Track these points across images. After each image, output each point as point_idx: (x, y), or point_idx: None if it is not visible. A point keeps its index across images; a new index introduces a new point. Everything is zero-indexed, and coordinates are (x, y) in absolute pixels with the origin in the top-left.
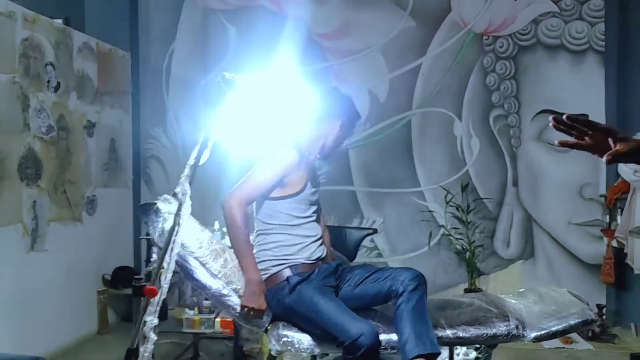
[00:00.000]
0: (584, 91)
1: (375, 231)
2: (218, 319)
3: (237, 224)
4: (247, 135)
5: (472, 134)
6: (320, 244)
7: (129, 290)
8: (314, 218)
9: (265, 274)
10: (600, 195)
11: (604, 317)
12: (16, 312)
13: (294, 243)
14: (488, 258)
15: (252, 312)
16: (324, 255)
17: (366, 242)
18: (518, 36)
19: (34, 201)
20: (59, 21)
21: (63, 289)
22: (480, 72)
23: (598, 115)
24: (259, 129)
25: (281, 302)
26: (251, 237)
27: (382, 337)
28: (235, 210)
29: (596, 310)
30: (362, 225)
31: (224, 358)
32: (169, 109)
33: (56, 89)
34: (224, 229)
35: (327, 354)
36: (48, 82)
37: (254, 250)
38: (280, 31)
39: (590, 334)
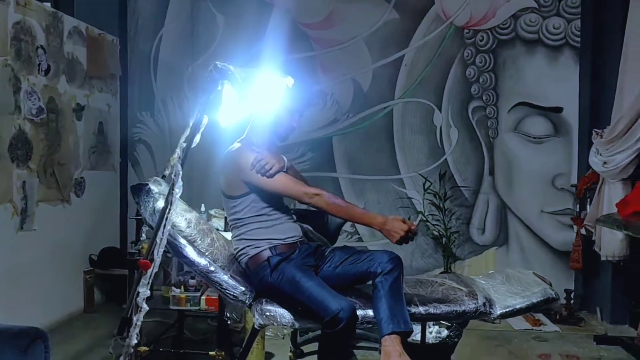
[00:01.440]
0: (560, 85)
1: (354, 222)
2: (203, 297)
3: (327, 202)
4: (234, 123)
5: (451, 124)
6: (293, 223)
7: (115, 271)
8: (281, 202)
9: (245, 256)
10: (572, 185)
11: (572, 301)
12: (5, 290)
13: (266, 226)
14: (464, 244)
15: (408, 240)
16: (299, 235)
17: (347, 227)
18: (498, 30)
19: (24, 182)
20: (49, 4)
21: (51, 268)
22: (460, 64)
23: (572, 108)
24: (245, 117)
25: (264, 281)
26: (228, 234)
27: (359, 312)
28: (315, 200)
29: (558, 290)
30: None
31: (207, 336)
32: (157, 94)
33: (47, 72)
34: (210, 211)
35: (309, 329)
36: (39, 65)
37: (234, 246)
38: (267, 20)
39: (557, 317)
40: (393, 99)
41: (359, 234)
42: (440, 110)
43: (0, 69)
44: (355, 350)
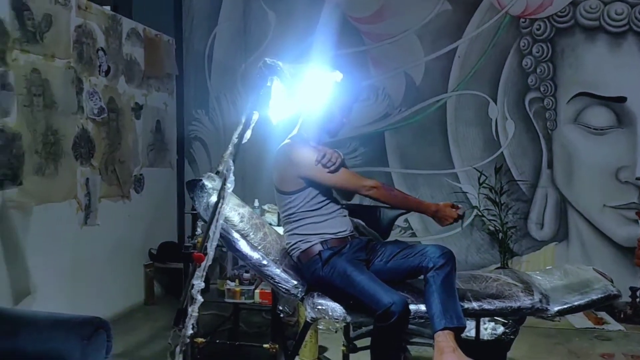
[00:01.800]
0: (622, 73)
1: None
2: (257, 290)
3: (384, 194)
4: (285, 118)
5: (507, 117)
6: (344, 217)
7: (173, 264)
8: (333, 197)
9: (297, 250)
10: (637, 178)
11: (638, 299)
12: (70, 282)
13: (318, 221)
14: (521, 239)
15: (455, 222)
16: (350, 229)
17: (400, 221)
18: (555, 18)
19: (87, 179)
20: (108, 8)
21: (113, 261)
22: (516, 54)
23: (636, 97)
24: (295, 112)
25: (315, 275)
26: (281, 229)
27: (412, 307)
28: (372, 192)
29: (622, 287)
30: None
31: (262, 329)
32: (211, 92)
33: (107, 73)
34: (263, 206)
35: (361, 323)
36: (99, 66)
37: (286, 240)
38: (318, 15)
39: (622, 316)
40: (446, 92)
41: (412, 229)
42: (495, 102)
43: (64, 71)
44: (408, 346)
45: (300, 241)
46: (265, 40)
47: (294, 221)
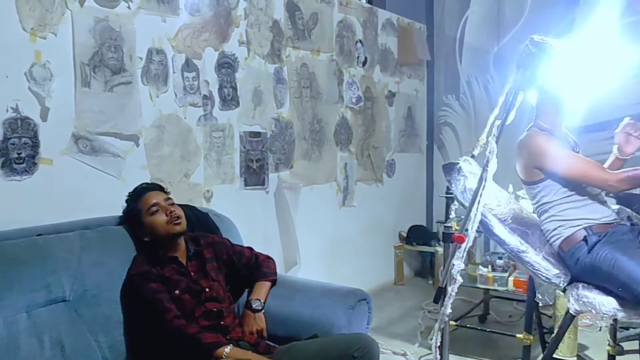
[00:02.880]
0: None
1: None
2: (511, 278)
3: (633, 182)
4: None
5: None
6: (604, 203)
7: (421, 247)
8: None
9: (559, 237)
10: None
11: None
12: (330, 256)
13: (577, 207)
14: None
15: None
16: (614, 216)
17: None
18: None
19: (345, 163)
20: (364, 1)
21: (366, 241)
22: None
23: None
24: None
25: (580, 262)
26: (533, 216)
27: None
28: (620, 186)
29: None
30: None
31: (513, 319)
32: (462, 77)
33: (364, 63)
34: (517, 192)
35: (630, 324)
36: (357, 57)
37: (544, 228)
38: None
39: None
40: None
41: None
42: None
43: (327, 64)
44: None
45: (560, 227)
46: (519, 20)
47: (549, 208)
